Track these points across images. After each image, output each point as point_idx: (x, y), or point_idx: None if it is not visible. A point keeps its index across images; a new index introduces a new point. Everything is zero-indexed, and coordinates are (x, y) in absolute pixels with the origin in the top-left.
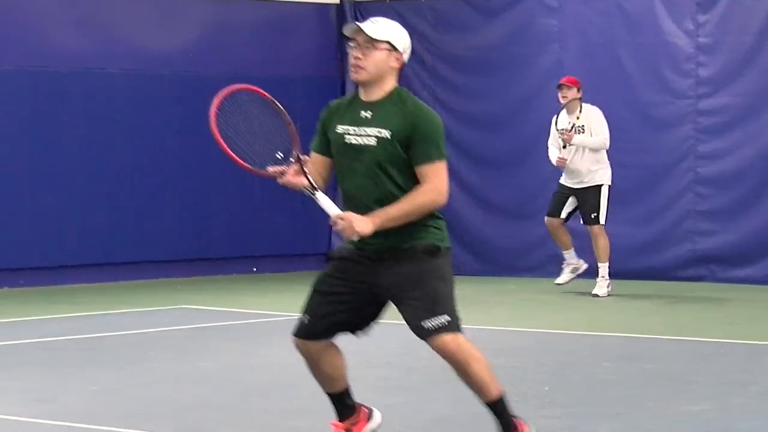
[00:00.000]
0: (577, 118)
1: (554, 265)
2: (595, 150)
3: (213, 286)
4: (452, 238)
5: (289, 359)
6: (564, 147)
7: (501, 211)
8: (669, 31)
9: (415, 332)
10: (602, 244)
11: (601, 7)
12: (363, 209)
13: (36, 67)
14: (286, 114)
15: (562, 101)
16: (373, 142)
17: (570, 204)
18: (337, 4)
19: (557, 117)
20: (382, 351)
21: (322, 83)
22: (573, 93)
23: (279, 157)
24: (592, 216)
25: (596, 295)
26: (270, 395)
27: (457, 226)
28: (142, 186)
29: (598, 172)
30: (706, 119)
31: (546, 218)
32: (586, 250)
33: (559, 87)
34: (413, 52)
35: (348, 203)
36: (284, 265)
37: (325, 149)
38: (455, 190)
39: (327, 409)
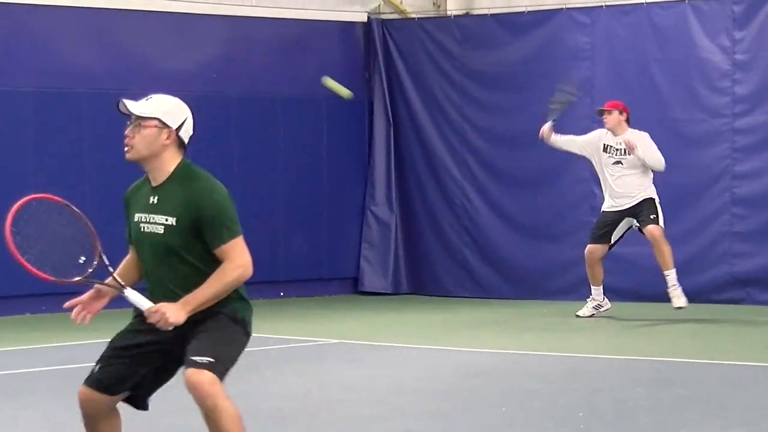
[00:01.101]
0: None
1: (585, 288)
2: (644, 171)
3: None
4: (482, 258)
5: (310, 385)
6: (617, 162)
7: (529, 231)
8: (704, 48)
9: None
10: (667, 249)
11: (632, 22)
12: (169, 294)
13: (56, 88)
14: (84, 216)
15: (606, 125)
16: (161, 230)
17: (619, 231)
18: (364, 22)
19: (603, 132)
20: (411, 376)
21: (348, 103)
22: (614, 116)
23: (81, 262)
24: (651, 217)
25: (681, 308)
26: (289, 423)
27: (485, 246)
28: None
29: (648, 189)
30: (743, 138)
31: (590, 245)
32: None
33: (600, 112)
34: (441, 71)
35: (153, 290)
36: (309, 289)
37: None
38: (483, 209)
39: None
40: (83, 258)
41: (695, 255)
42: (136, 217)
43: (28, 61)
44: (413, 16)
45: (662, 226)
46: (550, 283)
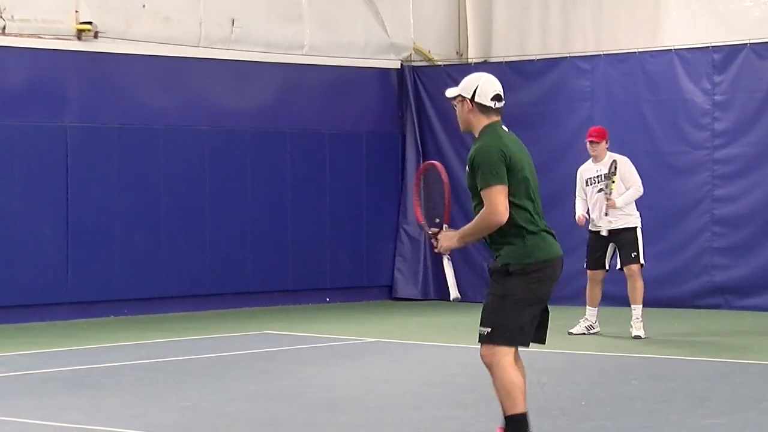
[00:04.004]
0: (604, 167)
1: (585, 296)
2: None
3: (290, 315)
4: None
5: (352, 378)
6: (606, 214)
7: None
8: (688, 90)
9: None
10: (640, 285)
11: (627, 69)
12: None
13: (132, 124)
14: (449, 191)
15: (592, 153)
16: (469, 179)
17: (609, 255)
18: (397, 69)
19: (583, 168)
20: (439, 371)
21: (383, 138)
22: (602, 146)
23: (437, 221)
24: (632, 255)
25: (638, 337)
26: (335, 410)
27: None
28: (226, 228)
29: (631, 216)
30: (722, 167)
31: (589, 271)
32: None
33: (590, 142)
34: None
35: None
36: (352, 296)
37: None
38: None
39: (386, 422)
40: (438, 219)
41: (681, 267)
42: None
43: (113, 102)
44: (439, 63)
45: (642, 263)
46: (556, 291)
